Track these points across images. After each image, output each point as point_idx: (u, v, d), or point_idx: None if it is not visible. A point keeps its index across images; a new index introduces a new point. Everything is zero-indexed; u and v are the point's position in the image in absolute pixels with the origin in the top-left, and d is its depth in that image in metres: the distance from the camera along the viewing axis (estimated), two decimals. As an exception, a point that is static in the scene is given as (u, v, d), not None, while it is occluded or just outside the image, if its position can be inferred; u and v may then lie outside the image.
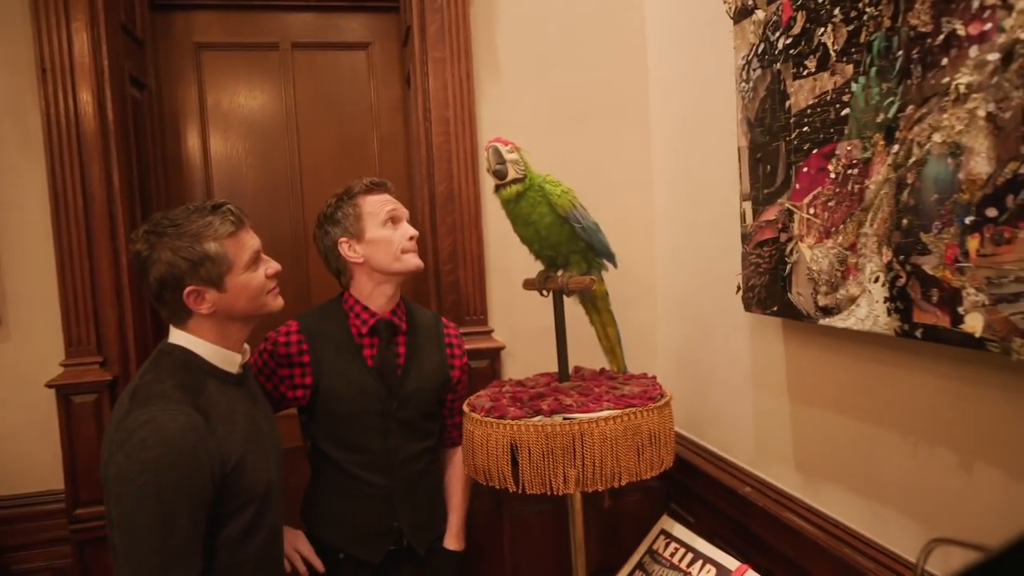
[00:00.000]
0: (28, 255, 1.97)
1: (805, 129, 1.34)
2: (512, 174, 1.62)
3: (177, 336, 1.37)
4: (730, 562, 1.56)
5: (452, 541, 1.80)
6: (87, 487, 1.88)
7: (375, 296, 1.70)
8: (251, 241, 1.40)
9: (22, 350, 1.98)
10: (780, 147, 1.42)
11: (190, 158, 2.39)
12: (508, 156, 1.61)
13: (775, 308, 1.49)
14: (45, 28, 1.87)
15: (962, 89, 0.99)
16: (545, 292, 1.74)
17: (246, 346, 1.47)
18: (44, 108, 1.89)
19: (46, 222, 1.94)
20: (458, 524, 1.81)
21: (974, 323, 0.99)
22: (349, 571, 1.68)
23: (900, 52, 1.10)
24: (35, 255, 1.97)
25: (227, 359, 1.39)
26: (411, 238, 1.70)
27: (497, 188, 1.65)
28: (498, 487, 1.58)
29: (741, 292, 1.63)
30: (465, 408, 1.68)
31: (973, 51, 0.97)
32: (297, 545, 1.68)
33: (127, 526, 1.18)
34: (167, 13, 2.34)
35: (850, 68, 1.22)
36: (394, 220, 1.69)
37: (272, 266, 1.44)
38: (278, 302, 1.46)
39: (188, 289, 1.31)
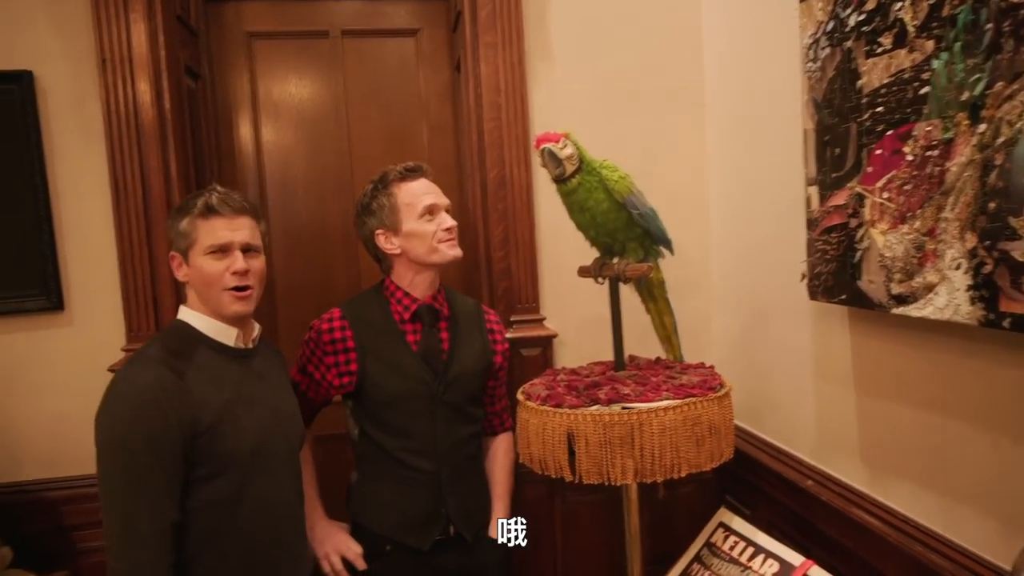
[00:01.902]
0: (89, 243, 2.01)
1: (879, 109, 1.28)
2: (570, 169, 1.59)
3: (181, 310, 1.47)
4: (794, 557, 1.52)
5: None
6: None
7: (416, 283, 1.69)
8: (222, 231, 1.40)
9: (84, 336, 2.03)
10: (850, 129, 1.37)
11: (243, 147, 2.42)
12: (562, 154, 1.58)
13: (843, 296, 1.44)
14: (104, 19, 1.91)
15: (1061, 63, 0.93)
16: (601, 279, 1.71)
17: (257, 325, 1.53)
18: (104, 98, 1.93)
19: (106, 210, 1.98)
20: (503, 512, 1.80)
21: (1071, 312, 0.94)
22: (397, 562, 1.67)
23: (989, 25, 1.04)
24: (95, 243, 2.01)
25: (220, 331, 1.44)
26: (447, 228, 1.66)
27: (556, 180, 1.62)
28: (554, 476, 1.56)
29: (806, 280, 1.58)
30: (520, 396, 1.67)
31: (1074, 22, 0.91)
32: (340, 548, 1.67)
33: (101, 474, 1.28)
34: (220, 3, 2.35)
35: (931, 44, 1.16)
36: (431, 211, 1.66)
37: (237, 264, 1.40)
38: (235, 307, 1.42)
39: (171, 252, 1.44)
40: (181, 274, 1.44)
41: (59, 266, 2.01)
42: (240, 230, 1.42)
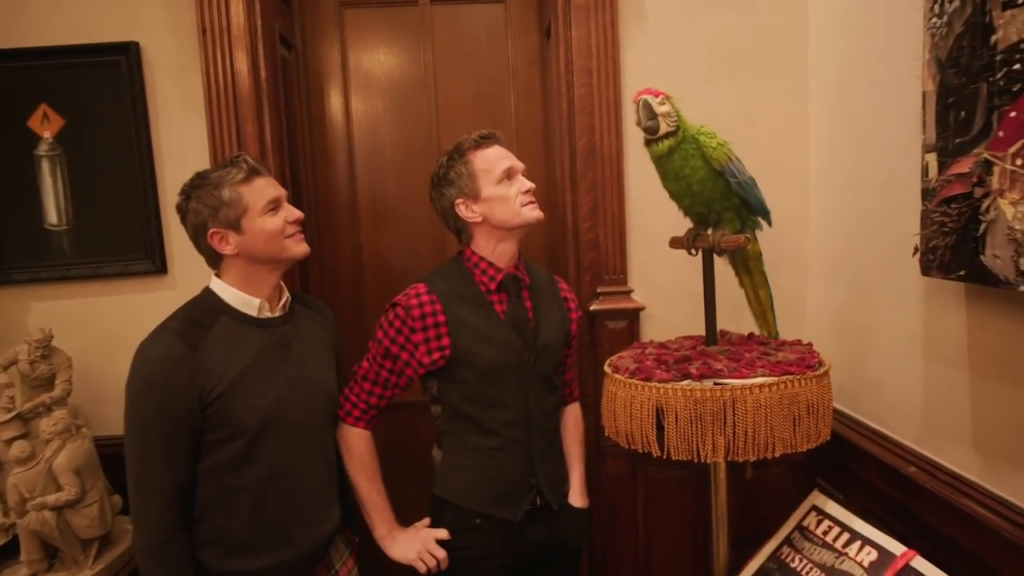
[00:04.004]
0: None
1: (1015, 68, 1.17)
2: (664, 128, 1.53)
3: (212, 282, 1.53)
4: (894, 546, 1.44)
5: (577, 498, 1.76)
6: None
7: (499, 253, 1.66)
8: (268, 189, 1.49)
9: (186, 297, 2.08)
10: (980, 90, 1.25)
11: (333, 116, 2.45)
12: (659, 109, 1.53)
13: (962, 272, 1.34)
14: (205, -9, 1.95)
15: None
16: (694, 251, 1.65)
17: (287, 295, 1.58)
18: (204, 68, 1.98)
19: (206, 178, 2.05)
20: (579, 481, 1.79)
21: None
22: (487, 535, 1.65)
23: None
24: (197, 209, 2.08)
25: (245, 302, 1.50)
26: (527, 191, 1.63)
27: (648, 143, 1.57)
28: (641, 451, 1.54)
29: (919, 254, 1.47)
30: (607, 369, 1.64)
31: None
32: (429, 545, 1.64)
33: (125, 433, 1.41)
34: (312, -28, 2.38)
35: (1082, -8, 1.04)
36: (510, 175, 1.62)
37: (293, 213, 1.52)
38: (300, 248, 1.54)
39: (211, 231, 1.46)
40: (229, 248, 1.47)
41: (163, 231, 2.09)
42: (275, 184, 1.53)
